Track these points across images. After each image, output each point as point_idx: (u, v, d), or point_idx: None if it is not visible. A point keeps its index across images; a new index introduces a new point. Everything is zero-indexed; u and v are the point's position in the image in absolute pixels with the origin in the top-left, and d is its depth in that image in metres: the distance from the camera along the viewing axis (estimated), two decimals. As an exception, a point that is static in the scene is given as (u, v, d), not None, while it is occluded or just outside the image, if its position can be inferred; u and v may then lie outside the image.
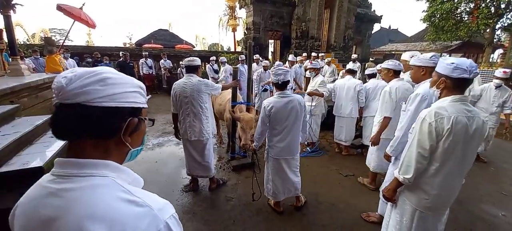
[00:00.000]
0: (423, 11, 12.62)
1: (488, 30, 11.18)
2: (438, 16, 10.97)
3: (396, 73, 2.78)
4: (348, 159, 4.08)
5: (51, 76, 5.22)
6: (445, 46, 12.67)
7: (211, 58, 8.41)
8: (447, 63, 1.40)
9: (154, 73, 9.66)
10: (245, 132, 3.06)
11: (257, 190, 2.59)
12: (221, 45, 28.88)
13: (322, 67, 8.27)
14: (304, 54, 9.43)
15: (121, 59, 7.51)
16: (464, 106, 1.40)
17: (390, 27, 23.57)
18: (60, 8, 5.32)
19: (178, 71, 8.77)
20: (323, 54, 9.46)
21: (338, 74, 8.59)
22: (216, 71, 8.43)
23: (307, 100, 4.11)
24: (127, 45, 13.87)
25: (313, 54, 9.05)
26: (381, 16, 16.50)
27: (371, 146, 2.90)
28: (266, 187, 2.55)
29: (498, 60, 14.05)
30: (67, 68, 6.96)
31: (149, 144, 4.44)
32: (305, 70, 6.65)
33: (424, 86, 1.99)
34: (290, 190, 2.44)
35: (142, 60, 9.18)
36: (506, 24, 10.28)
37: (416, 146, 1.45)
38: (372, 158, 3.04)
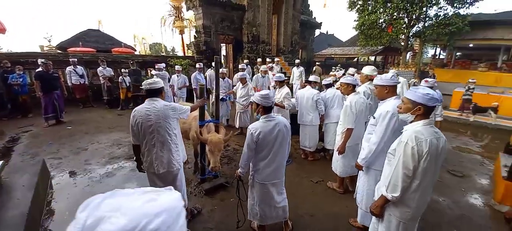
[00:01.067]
0: (355, 20, 14.38)
1: (402, 37, 13.61)
2: (366, 26, 12.69)
3: (353, 88, 3.06)
4: (315, 164, 4.29)
5: None
6: (372, 50, 14.85)
7: (157, 66, 7.64)
8: (423, 94, 1.59)
9: (86, 82, 8.19)
10: (213, 154, 2.86)
11: (241, 215, 2.43)
12: (164, 45, 26.76)
13: (287, 78, 8.48)
14: (259, 59, 9.56)
15: (40, 70, 6.03)
16: (433, 129, 1.64)
17: (327, 32, 26.25)
18: None
19: (119, 80, 7.67)
20: (277, 59, 9.75)
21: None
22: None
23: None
24: (46, 49, 11.36)
25: (268, 59, 9.25)
26: (321, 23, 18.23)
27: (338, 154, 3.10)
28: (251, 211, 2.41)
29: (410, 61, 17.45)
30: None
31: (94, 175, 3.69)
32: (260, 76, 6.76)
33: (391, 103, 2.21)
34: (278, 214, 2.37)
35: (69, 68, 7.62)
36: (415, 32, 12.65)
37: (402, 167, 1.60)
38: (338, 165, 3.25)
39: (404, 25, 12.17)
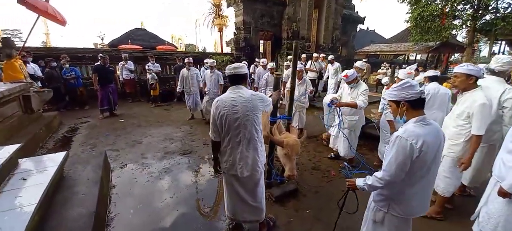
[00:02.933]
0: (407, 12, 12.93)
1: (465, 31, 11.83)
2: (423, 17, 11.26)
3: (476, 80, 2.29)
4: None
5: (10, 88, 4.00)
6: (427, 47, 13.20)
7: (206, 61, 7.52)
8: None
9: (136, 78, 8.46)
10: (290, 159, 2.42)
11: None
12: (196, 46, 27.49)
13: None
14: (303, 55, 8.95)
15: (98, 64, 6.29)
16: None
17: (368, 28, 24.42)
18: (22, 1, 4.11)
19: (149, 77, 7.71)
20: (324, 55, 9.04)
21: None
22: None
23: (347, 113, 3.56)
24: (99, 46, 12.19)
25: (315, 55, 8.60)
26: (364, 17, 16.87)
27: (462, 170, 2.37)
28: None
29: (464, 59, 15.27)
30: (31, 75, 5.62)
31: (153, 170, 3.52)
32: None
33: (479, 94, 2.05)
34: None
35: (121, 64, 7.93)
36: (483, 24, 10.90)
37: None
38: (444, 181, 2.51)
39: (470, 17, 10.52)
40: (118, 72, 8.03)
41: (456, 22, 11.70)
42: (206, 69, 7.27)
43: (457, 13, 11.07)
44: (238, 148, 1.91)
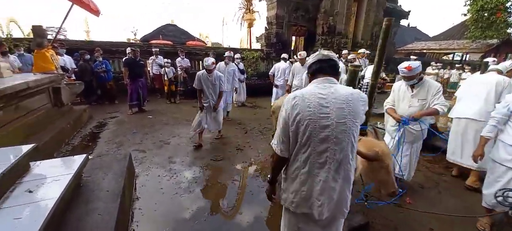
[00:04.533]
0: (465, 4, 11.21)
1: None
2: (488, 9, 9.56)
3: None
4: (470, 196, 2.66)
5: (38, 78, 3.77)
6: (488, 45, 11.30)
7: (236, 56, 6.97)
8: None
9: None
10: (389, 172, 1.67)
11: None
12: (222, 44, 27.31)
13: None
14: (344, 51, 8.00)
15: (128, 57, 6.07)
16: None
17: (409, 25, 22.22)
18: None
19: (162, 72, 7.25)
20: (368, 52, 8.02)
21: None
22: (243, 72, 7.01)
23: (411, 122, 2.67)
24: (132, 41, 12.38)
25: (361, 51, 7.65)
26: (409, 11, 15.15)
27: None
28: None
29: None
30: (61, 67, 5.54)
31: (181, 179, 3.00)
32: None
33: None
34: None
35: (152, 58, 7.72)
36: None
37: None
38: None
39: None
40: (149, 68, 7.85)
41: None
42: (237, 64, 6.77)
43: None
44: (320, 174, 1.23)
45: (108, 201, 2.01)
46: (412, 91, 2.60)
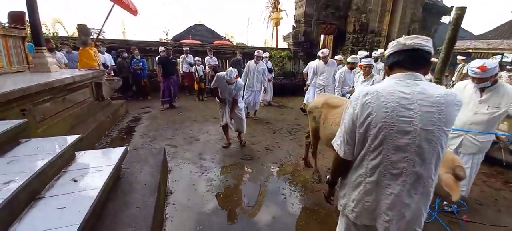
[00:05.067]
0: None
1: None
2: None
3: None
4: None
5: (83, 73, 4.03)
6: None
7: (264, 55, 6.87)
8: None
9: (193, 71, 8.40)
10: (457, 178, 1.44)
11: None
12: (246, 45, 27.40)
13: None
14: (380, 50, 7.48)
15: (162, 55, 6.31)
16: None
17: (449, 22, 20.26)
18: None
19: (193, 70, 7.33)
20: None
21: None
22: (270, 71, 6.88)
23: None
24: (164, 41, 12.96)
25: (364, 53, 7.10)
26: (452, 8, 13.78)
27: None
28: None
29: None
30: (102, 64, 5.93)
31: (212, 176, 2.98)
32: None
33: None
34: None
35: (182, 57, 7.95)
36: None
37: None
38: None
39: None
40: (179, 66, 8.10)
41: None
42: (265, 63, 6.67)
43: None
44: (391, 186, 1.07)
45: (145, 194, 2.03)
46: (481, 96, 2.22)
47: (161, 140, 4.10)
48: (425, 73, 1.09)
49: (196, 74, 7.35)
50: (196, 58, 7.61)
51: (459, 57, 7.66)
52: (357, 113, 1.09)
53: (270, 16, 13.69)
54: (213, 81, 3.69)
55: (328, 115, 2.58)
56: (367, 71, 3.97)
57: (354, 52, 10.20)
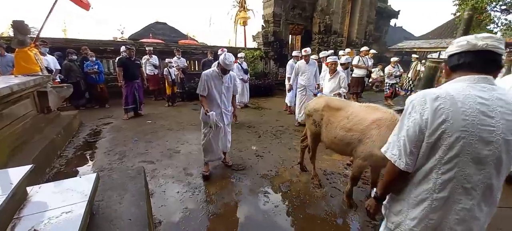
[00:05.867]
0: (455, 4, 11.56)
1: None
2: (478, 9, 9.89)
3: None
4: None
5: (23, 81, 3.18)
6: (475, 43, 11.76)
7: (239, 55, 6.60)
8: None
9: (160, 74, 7.64)
10: None
11: None
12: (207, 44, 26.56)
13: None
14: (341, 52, 7.83)
15: (123, 56, 5.50)
16: None
17: (396, 24, 22.86)
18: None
19: (165, 73, 6.72)
20: (374, 51, 7.93)
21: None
22: (246, 72, 6.64)
23: None
24: (119, 40, 11.56)
25: (363, 49, 7.53)
26: (399, 11, 15.52)
27: None
28: None
29: None
30: (45, 68, 4.87)
31: (206, 197, 2.60)
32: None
33: None
34: None
35: (145, 58, 7.16)
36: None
37: None
38: None
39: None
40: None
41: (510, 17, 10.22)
42: (240, 64, 6.40)
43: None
44: (462, 201, 0.95)
45: (134, 235, 1.59)
46: None
47: (132, 156, 3.51)
48: (495, 77, 0.99)
49: (169, 77, 6.68)
50: (169, 59, 6.94)
51: (413, 55, 8.54)
52: (427, 120, 0.95)
53: (237, 15, 13.40)
54: (199, 86, 2.74)
55: (331, 118, 2.46)
56: (333, 68, 4.09)
57: (320, 51, 10.63)
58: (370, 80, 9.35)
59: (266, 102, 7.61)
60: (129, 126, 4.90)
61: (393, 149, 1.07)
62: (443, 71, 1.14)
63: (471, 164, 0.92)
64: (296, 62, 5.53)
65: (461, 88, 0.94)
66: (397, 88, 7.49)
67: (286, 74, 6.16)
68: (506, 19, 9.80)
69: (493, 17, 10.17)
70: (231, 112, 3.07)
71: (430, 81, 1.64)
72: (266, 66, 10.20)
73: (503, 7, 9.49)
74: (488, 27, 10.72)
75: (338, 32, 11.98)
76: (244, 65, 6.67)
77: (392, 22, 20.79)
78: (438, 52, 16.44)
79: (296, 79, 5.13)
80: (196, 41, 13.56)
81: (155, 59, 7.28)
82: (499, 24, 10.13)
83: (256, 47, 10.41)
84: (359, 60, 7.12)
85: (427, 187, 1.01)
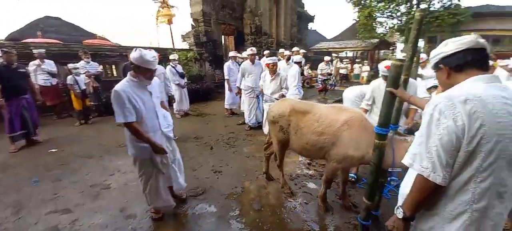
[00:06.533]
0: (354, 12, 13.91)
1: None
2: (372, 17, 12.30)
3: None
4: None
5: None
6: (371, 44, 14.65)
7: (171, 57, 5.78)
8: None
9: (60, 83, 5.85)
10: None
11: None
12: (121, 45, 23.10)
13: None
14: (267, 51, 7.92)
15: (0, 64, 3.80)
16: None
17: (311, 28, 26.03)
18: None
19: (69, 82, 5.16)
20: (282, 50, 8.23)
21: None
22: (182, 76, 5.89)
23: None
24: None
25: (296, 48, 7.93)
26: (314, 16, 17.64)
27: None
28: None
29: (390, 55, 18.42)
30: None
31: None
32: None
33: None
34: None
35: (34, 64, 5.31)
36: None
37: None
38: None
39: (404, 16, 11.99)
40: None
41: (393, 21, 13.24)
42: (174, 67, 5.60)
43: (394, 13, 12.49)
44: (496, 206, 0.93)
45: None
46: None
47: (34, 206, 2.39)
48: None
49: (77, 88, 5.14)
50: (74, 64, 5.32)
51: (333, 54, 9.77)
52: (463, 126, 0.86)
53: (158, 12, 11.93)
54: (118, 110, 1.75)
55: (299, 123, 2.31)
56: (274, 69, 3.94)
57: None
58: (302, 77, 10.14)
59: (207, 107, 7.05)
60: (20, 160, 3.44)
61: (423, 161, 0.96)
62: (438, 73, 1.09)
63: (505, 167, 0.89)
64: (240, 64, 5.28)
65: (482, 89, 0.90)
66: (327, 84, 8.35)
67: (225, 76, 5.81)
68: (392, 23, 12.54)
69: (382, 22, 12.78)
70: (172, 126, 2.26)
71: (396, 80, 1.67)
72: (202, 68, 9.52)
73: (388, 14, 12.10)
74: (376, 29, 13.45)
75: (268, 34, 12.50)
76: (179, 68, 5.90)
77: (309, 25, 23.58)
78: (346, 51, 19.79)
79: (242, 81, 4.88)
80: (108, 41, 11.28)
81: (50, 64, 5.52)
82: (386, 27, 12.86)
83: (188, 48, 9.53)
84: (336, 63, 7.64)
85: (465, 198, 0.93)
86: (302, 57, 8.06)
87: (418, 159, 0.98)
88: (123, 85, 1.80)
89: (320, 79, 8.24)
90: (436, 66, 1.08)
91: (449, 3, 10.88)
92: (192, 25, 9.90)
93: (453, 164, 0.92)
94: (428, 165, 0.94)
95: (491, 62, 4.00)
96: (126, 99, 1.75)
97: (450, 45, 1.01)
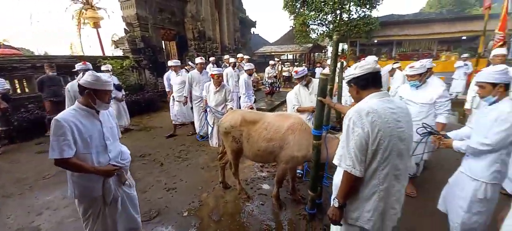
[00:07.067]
0: (290, 19, 15.08)
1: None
2: (306, 24, 13.64)
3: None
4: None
5: None
6: (307, 48, 16.23)
7: (103, 68, 5.19)
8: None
9: None
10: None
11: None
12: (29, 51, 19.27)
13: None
14: (212, 58, 7.91)
15: None
16: None
17: (254, 32, 26.97)
18: None
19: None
20: (227, 56, 8.44)
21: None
22: (119, 88, 5.35)
23: None
24: None
25: (240, 55, 8.16)
26: (256, 21, 18.38)
27: None
28: None
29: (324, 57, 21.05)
30: None
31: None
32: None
33: None
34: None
35: None
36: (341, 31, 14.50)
37: None
38: None
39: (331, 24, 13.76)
40: None
41: (323, 28, 14.99)
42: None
43: (323, 21, 14.19)
44: (396, 186, 1.30)
45: None
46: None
47: None
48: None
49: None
50: None
51: (276, 59, 10.44)
52: (368, 132, 1.19)
53: (82, 14, 10.37)
54: (56, 145, 1.45)
55: (251, 132, 2.48)
56: (219, 81, 3.87)
57: (198, 57, 10.51)
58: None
59: (152, 119, 6.58)
60: None
61: (346, 161, 1.26)
62: (350, 89, 1.42)
63: (397, 157, 1.24)
64: (183, 74, 5.12)
65: (377, 103, 1.24)
66: (274, 87, 8.87)
67: (165, 88, 5.58)
68: (322, 30, 14.16)
69: (314, 29, 14.31)
70: (129, 161, 1.88)
71: (323, 90, 2.02)
72: (141, 77, 8.78)
73: (319, 22, 13.64)
74: (310, 35, 14.98)
75: (212, 39, 12.42)
76: (114, 80, 5.33)
77: (252, 30, 24.39)
78: (286, 54, 21.32)
79: (190, 91, 4.77)
80: (16, 49, 9.19)
81: None
82: (318, 33, 14.46)
83: (123, 55, 8.63)
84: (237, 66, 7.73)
85: (374, 182, 1.27)
86: (246, 63, 8.40)
87: (343, 159, 1.28)
88: (67, 114, 1.53)
89: (267, 83, 8.69)
90: (349, 84, 1.39)
91: (363, 14, 13.00)
92: (125, 29, 9.03)
93: (365, 160, 1.23)
94: (350, 163, 1.24)
95: (398, 64, 4.89)
96: (69, 132, 1.48)
97: (358, 70, 1.33)
